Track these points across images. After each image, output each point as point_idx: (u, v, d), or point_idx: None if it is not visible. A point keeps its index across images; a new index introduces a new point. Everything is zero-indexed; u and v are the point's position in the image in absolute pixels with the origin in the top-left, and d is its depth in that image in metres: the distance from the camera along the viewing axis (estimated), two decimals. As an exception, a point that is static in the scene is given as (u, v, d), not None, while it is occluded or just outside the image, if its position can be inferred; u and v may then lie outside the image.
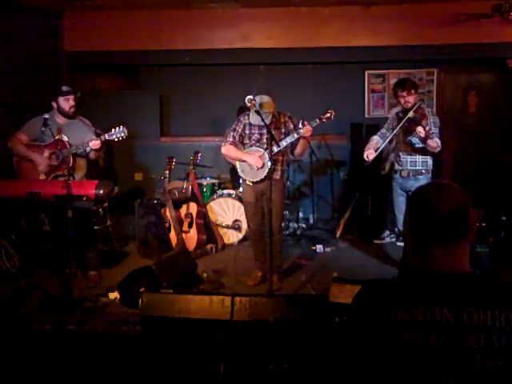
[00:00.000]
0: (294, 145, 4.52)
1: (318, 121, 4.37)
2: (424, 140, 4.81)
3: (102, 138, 4.66)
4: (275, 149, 4.32)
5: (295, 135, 4.35)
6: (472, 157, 7.28)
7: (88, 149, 4.72)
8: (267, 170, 4.36)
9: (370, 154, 5.13)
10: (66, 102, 4.78)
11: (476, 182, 6.88)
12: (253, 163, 4.48)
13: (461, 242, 1.42)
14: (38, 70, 6.27)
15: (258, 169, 4.48)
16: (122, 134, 4.67)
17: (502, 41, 6.55)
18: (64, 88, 4.84)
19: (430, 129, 4.82)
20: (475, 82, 7.37)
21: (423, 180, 4.96)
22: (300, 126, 4.32)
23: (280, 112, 4.54)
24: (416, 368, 1.32)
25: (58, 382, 3.06)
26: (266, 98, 4.40)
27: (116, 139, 4.69)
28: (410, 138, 5.02)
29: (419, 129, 4.73)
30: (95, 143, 4.62)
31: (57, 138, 4.63)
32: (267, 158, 4.39)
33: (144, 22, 6.95)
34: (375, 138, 5.30)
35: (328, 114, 4.38)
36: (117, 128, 4.67)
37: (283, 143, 4.38)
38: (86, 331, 3.63)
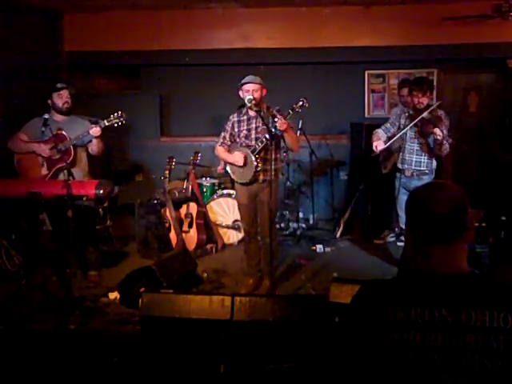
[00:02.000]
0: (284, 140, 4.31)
1: (290, 112, 4.16)
2: (439, 143, 4.74)
3: (102, 124, 4.62)
4: (257, 146, 4.20)
5: (273, 130, 4.10)
6: (472, 157, 7.28)
7: (88, 137, 4.69)
8: (254, 170, 4.23)
9: (379, 145, 4.99)
10: (59, 98, 4.75)
11: (476, 181, 6.88)
12: (234, 162, 4.34)
13: (459, 242, 1.42)
14: (38, 70, 6.27)
15: (241, 167, 4.32)
16: (121, 119, 4.63)
17: (502, 41, 6.56)
18: (58, 85, 4.81)
19: (446, 134, 4.75)
20: (475, 81, 7.36)
21: (427, 180, 4.91)
22: (276, 119, 4.09)
23: (269, 106, 4.36)
24: (414, 369, 1.32)
25: (58, 381, 3.06)
26: (248, 78, 4.29)
27: (115, 125, 4.64)
28: (425, 139, 4.93)
29: (438, 131, 4.62)
30: (95, 130, 4.58)
31: (57, 132, 4.63)
32: (252, 158, 4.23)
33: (144, 22, 6.96)
34: (379, 131, 5.16)
35: (300, 103, 4.16)
36: (115, 114, 4.64)
37: (263, 140, 4.17)
38: (86, 331, 3.63)
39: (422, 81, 5.02)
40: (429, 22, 6.59)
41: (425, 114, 4.78)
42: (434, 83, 7.06)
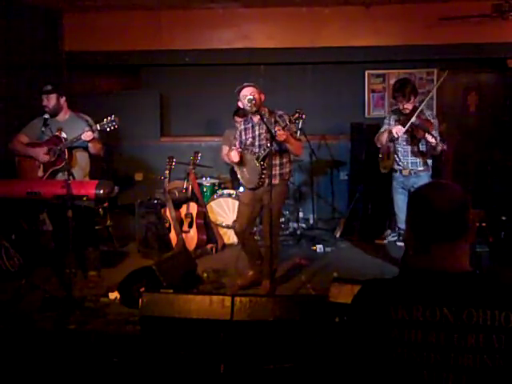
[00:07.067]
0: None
1: (288, 123, 4.13)
2: (434, 146, 4.74)
3: (94, 128, 4.63)
4: (260, 154, 4.23)
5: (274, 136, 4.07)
6: (472, 156, 7.28)
7: (82, 142, 4.69)
8: (258, 177, 4.26)
9: (398, 131, 4.86)
10: (43, 101, 4.79)
11: (476, 182, 6.88)
12: (230, 161, 4.42)
13: (460, 241, 1.42)
14: (38, 70, 6.27)
15: (247, 174, 4.38)
16: (114, 124, 4.62)
17: (502, 41, 6.56)
18: (43, 88, 4.84)
19: (438, 136, 4.75)
20: (475, 81, 7.37)
21: (425, 177, 4.92)
22: (276, 128, 4.06)
23: (272, 111, 4.34)
24: (416, 367, 1.32)
25: (58, 381, 3.06)
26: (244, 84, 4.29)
27: (108, 129, 4.62)
28: (417, 144, 4.93)
29: (429, 137, 4.64)
30: (87, 134, 4.58)
31: (55, 134, 4.64)
32: (257, 164, 4.25)
33: (144, 21, 6.96)
34: (385, 127, 5.17)
35: (296, 114, 4.11)
36: (108, 118, 4.62)
37: (265, 148, 4.18)
38: (86, 331, 3.63)
39: (404, 86, 4.92)
40: (429, 22, 6.59)
41: (413, 120, 4.77)
42: (434, 83, 7.07)
